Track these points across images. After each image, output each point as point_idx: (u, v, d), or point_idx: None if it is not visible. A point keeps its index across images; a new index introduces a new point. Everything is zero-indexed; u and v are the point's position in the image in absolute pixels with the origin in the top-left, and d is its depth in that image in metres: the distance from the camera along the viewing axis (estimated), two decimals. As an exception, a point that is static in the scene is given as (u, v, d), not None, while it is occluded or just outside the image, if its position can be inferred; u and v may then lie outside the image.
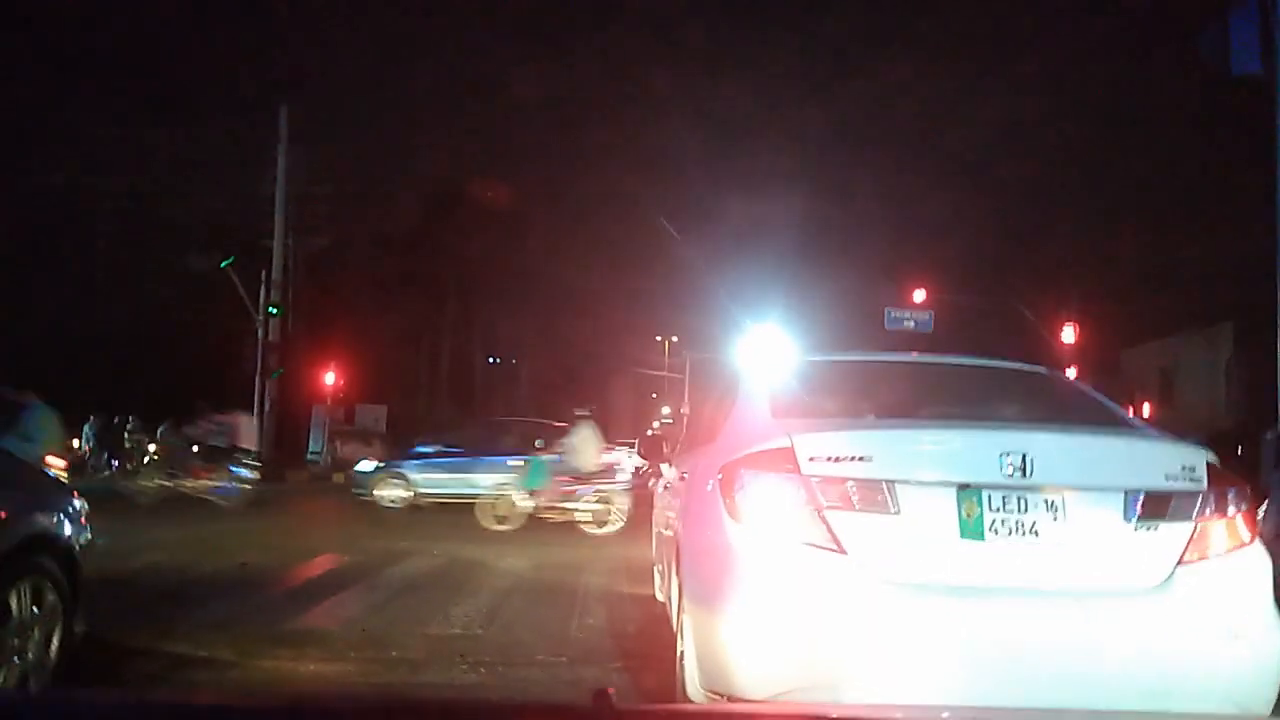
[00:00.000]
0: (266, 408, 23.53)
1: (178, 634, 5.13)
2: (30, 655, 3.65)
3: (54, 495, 4.22)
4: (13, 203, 25.80)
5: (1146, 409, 29.16)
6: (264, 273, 24.10)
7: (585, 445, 12.66)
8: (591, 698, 1.44)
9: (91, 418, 22.05)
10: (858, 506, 3.03)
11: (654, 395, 57.52)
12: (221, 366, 24.96)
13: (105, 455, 21.58)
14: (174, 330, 27.50)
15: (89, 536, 4.22)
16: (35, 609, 3.71)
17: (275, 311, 23.86)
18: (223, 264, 22.50)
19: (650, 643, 5.14)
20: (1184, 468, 3.14)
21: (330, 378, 29.74)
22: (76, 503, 4.23)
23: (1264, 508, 5.97)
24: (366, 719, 1.61)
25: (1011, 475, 3.02)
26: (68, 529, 4.02)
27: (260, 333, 23.78)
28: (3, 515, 3.63)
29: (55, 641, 3.84)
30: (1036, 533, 3.01)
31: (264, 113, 24.82)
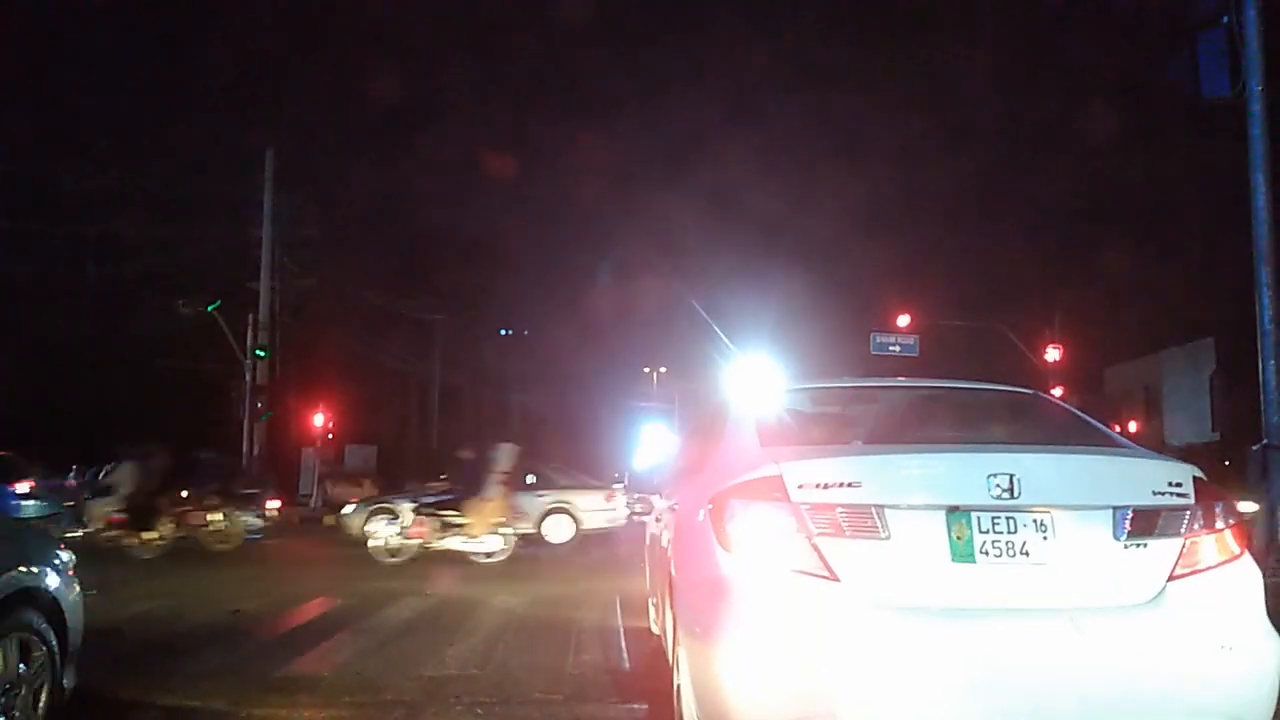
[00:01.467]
0: (255, 450, 23.40)
1: (170, 685, 5.06)
2: (18, 713, 3.60)
3: (40, 548, 4.18)
4: None
5: (1133, 426, 29.29)
6: (251, 316, 24.07)
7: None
8: None
9: (75, 467, 21.84)
10: (848, 533, 3.03)
11: (643, 427, 57.42)
12: (210, 410, 24.84)
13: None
14: (161, 376, 27.36)
15: (77, 589, 4.18)
16: (23, 665, 3.66)
17: (262, 354, 23.81)
18: (209, 307, 22.48)
19: (647, 677, 5.11)
20: (1171, 484, 3.16)
21: (319, 419, 29.61)
22: (64, 555, 4.19)
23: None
24: None
25: (1000, 496, 3.04)
26: (55, 582, 3.98)
27: (248, 375, 23.71)
28: (-12, 570, 3.60)
29: (44, 698, 3.79)
30: (1027, 553, 3.03)
31: (250, 155, 24.93)
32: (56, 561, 4.09)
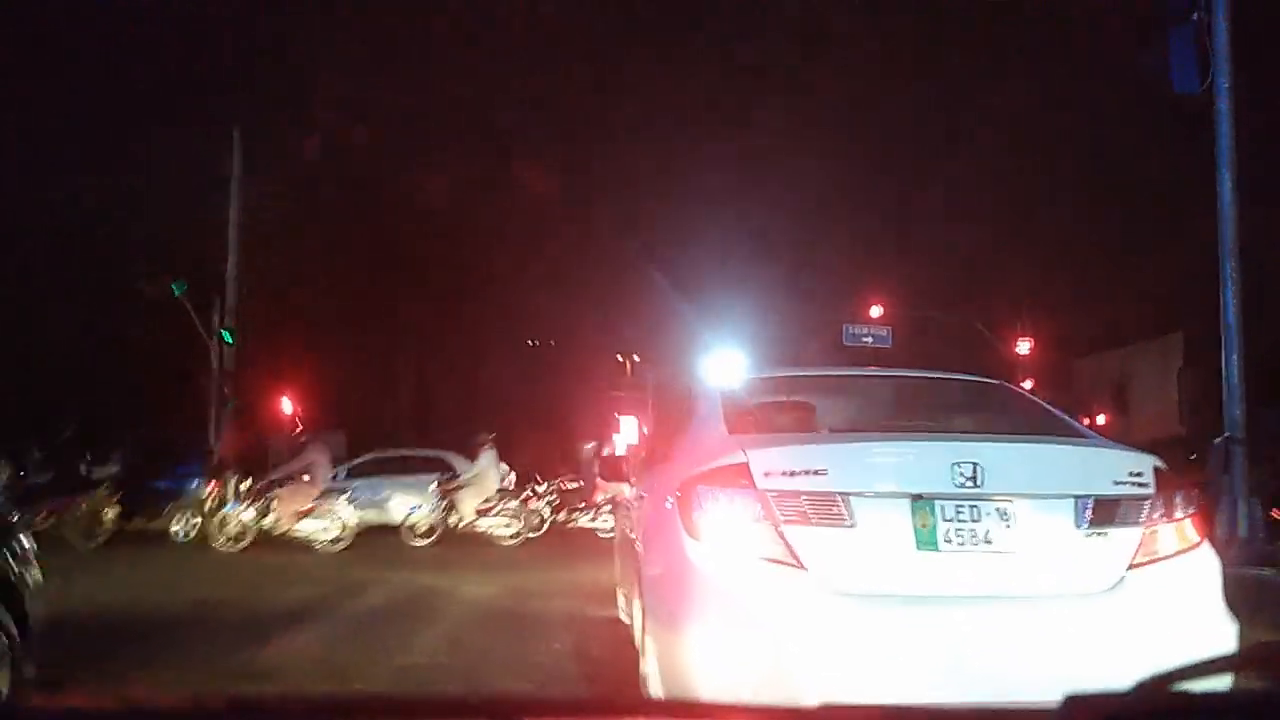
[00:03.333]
0: (218, 437, 23.13)
1: (134, 674, 5.01)
2: (-26, 701, 3.55)
3: (-1, 533, 4.11)
4: None
5: (1101, 419, 29.67)
6: (218, 299, 23.75)
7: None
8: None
9: (37, 452, 21.48)
10: (814, 520, 3.05)
11: (615, 415, 57.48)
12: (174, 396, 24.54)
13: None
14: (123, 359, 26.95)
15: (38, 576, 4.11)
16: (-20, 653, 3.60)
17: (228, 337, 23.49)
18: (175, 291, 22.10)
19: (615, 665, 5.11)
20: (1132, 474, 3.20)
21: (288, 405, 29.33)
22: (25, 541, 4.12)
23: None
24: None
25: (963, 485, 3.06)
26: (15, 569, 3.91)
27: (215, 360, 23.41)
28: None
29: (4, 686, 3.73)
30: (989, 541, 3.05)
31: (218, 133, 24.54)
32: (17, 548, 4.02)
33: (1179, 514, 3.21)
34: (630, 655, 4.27)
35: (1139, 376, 31.45)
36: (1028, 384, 21.73)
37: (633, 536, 4.71)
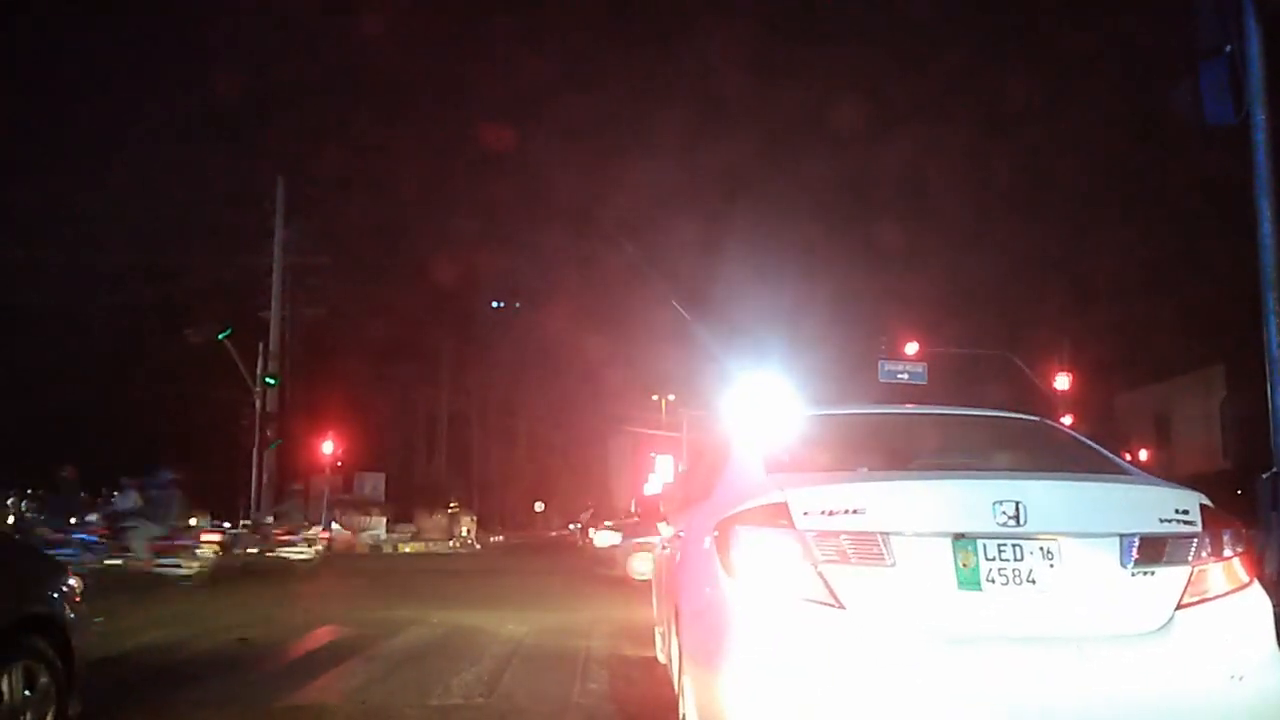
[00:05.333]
0: (265, 479, 23.43)
1: (176, 713, 5.06)
2: (24, 740, 3.60)
3: (48, 574, 4.19)
4: (5, 277, 25.92)
5: (1144, 454, 29.11)
6: (261, 344, 24.18)
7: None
8: None
9: (81, 494, 21.83)
10: (854, 560, 3.03)
11: (652, 454, 57.36)
12: (219, 439, 24.92)
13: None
14: (171, 404, 27.45)
15: (84, 615, 4.18)
16: (28, 692, 3.66)
17: (272, 382, 23.88)
18: (220, 336, 22.56)
19: (653, 706, 5.08)
20: (1178, 511, 3.15)
21: (329, 446, 29.63)
22: (71, 581, 4.20)
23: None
24: None
25: (1005, 524, 3.03)
26: (61, 609, 3.99)
27: (258, 404, 23.77)
28: (-5, 596, 3.61)
29: (51, 723, 3.78)
30: (1033, 580, 3.01)
31: (262, 185, 25.14)
32: (64, 588, 4.10)
33: (1227, 552, 3.15)
34: (668, 696, 4.24)
35: (1181, 410, 30.86)
36: (1067, 419, 21.42)
37: (670, 576, 4.69)
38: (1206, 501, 3.22)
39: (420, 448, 37.41)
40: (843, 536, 3.04)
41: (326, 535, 24.03)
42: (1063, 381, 25.26)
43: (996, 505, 3.04)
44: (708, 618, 3.33)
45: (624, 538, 17.25)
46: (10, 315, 26.44)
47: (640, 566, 15.08)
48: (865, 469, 3.66)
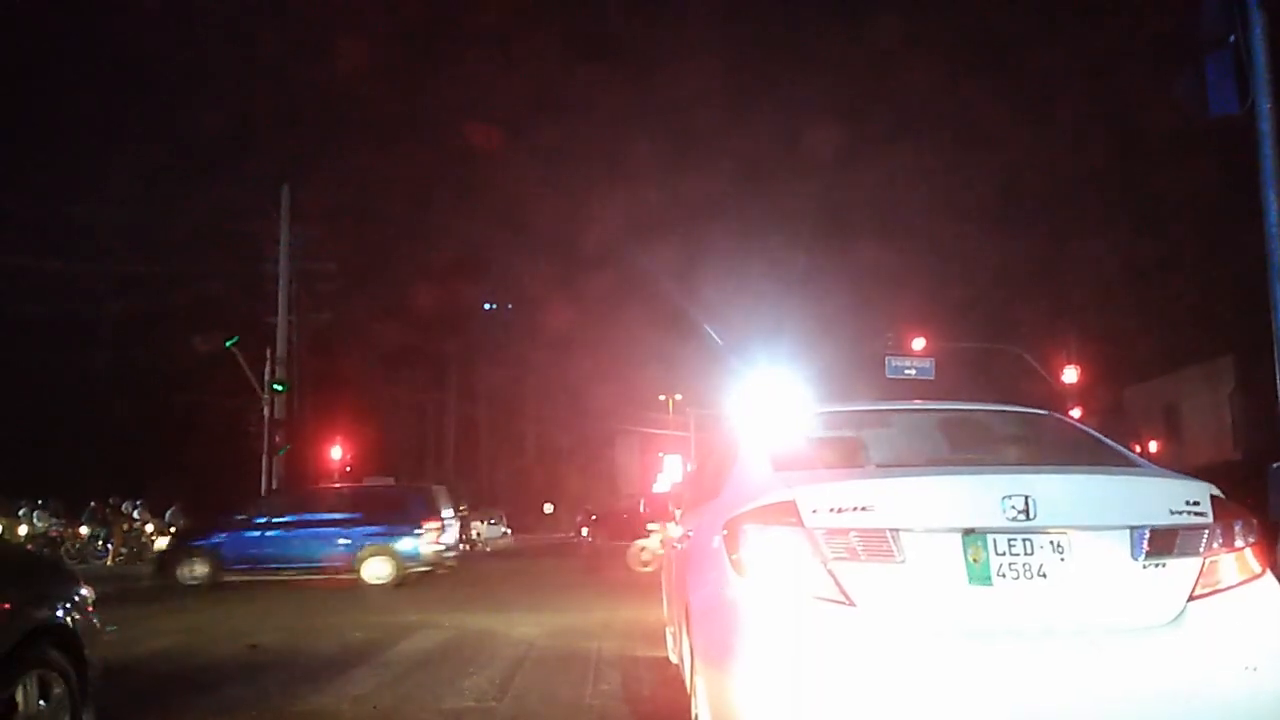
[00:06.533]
0: (274, 485, 23.48)
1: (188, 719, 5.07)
2: (38, 750, 3.60)
3: (61, 584, 4.20)
4: (14, 287, 26.07)
5: (1153, 446, 29.01)
6: (268, 350, 24.24)
7: None
8: None
9: (92, 503, 21.93)
10: (863, 557, 3.02)
11: (660, 454, 57.34)
12: (228, 446, 24.98)
13: (99, 540, 21.44)
14: (179, 411, 27.55)
15: (97, 625, 4.19)
16: (42, 702, 3.67)
17: (280, 388, 23.94)
18: (227, 343, 22.63)
19: (665, 707, 5.08)
20: (1188, 502, 3.13)
21: (337, 451, 29.70)
22: (84, 591, 4.21)
23: None
24: None
25: (1015, 518, 3.02)
26: (74, 618, 4.00)
27: (266, 410, 23.83)
28: (6, 607, 3.61)
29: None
30: (1044, 574, 3.00)
31: (267, 191, 25.23)
32: (76, 598, 4.11)
33: (1239, 543, 3.13)
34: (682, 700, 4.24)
35: (1190, 401, 30.75)
36: (1075, 413, 21.36)
37: (679, 575, 4.69)
38: (1217, 492, 3.21)
39: (429, 451, 37.46)
40: (852, 534, 3.03)
41: None
42: (1071, 374, 25.18)
43: (1006, 500, 3.03)
44: (718, 617, 3.32)
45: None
46: (18, 325, 26.56)
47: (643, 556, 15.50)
48: (873, 465, 3.65)
